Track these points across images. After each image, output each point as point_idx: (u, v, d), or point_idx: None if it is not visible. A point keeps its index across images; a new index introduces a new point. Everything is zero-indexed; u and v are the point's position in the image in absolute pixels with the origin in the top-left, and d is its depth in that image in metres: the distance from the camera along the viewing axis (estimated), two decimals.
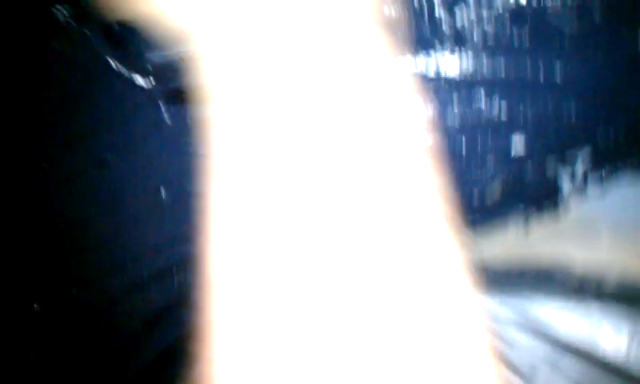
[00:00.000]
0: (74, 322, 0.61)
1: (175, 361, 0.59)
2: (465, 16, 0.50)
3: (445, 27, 0.50)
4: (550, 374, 0.48)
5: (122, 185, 0.58)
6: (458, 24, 0.50)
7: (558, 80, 0.49)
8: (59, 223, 0.60)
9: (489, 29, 0.50)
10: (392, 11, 0.39)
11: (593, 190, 0.53)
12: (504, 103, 0.50)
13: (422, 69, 0.51)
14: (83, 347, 0.61)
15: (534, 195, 0.54)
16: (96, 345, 0.61)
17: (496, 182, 0.53)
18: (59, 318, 0.61)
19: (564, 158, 0.51)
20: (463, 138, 0.52)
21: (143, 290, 0.60)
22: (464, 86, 0.50)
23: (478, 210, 0.55)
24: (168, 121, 0.55)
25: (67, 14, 0.55)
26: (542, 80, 0.49)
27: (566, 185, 0.53)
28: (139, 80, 0.54)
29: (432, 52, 0.50)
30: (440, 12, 0.50)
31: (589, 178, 0.53)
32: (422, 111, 0.50)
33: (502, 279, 0.54)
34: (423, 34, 0.51)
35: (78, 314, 0.60)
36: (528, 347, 0.49)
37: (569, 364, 0.48)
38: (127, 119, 0.57)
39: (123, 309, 0.60)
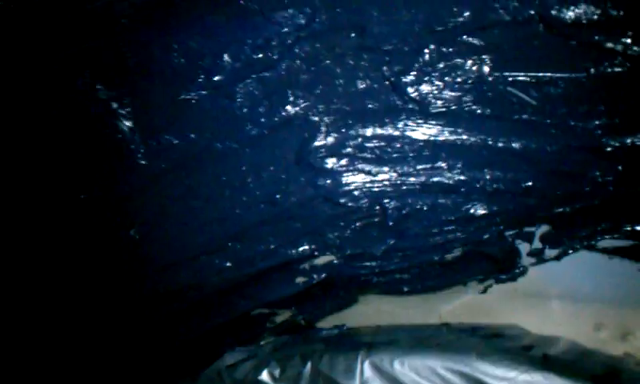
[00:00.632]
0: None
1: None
2: (430, 85, 0.52)
3: (411, 95, 0.52)
4: None
5: (93, 221, 0.59)
6: (423, 92, 0.52)
7: (518, 149, 0.51)
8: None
9: (453, 97, 0.52)
10: None
11: (548, 259, 0.55)
12: (466, 170, 0.52)
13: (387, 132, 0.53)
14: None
15: (491, 261, 0.56)
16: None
17: (456, 246, 0.55)
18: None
19: (522, 232, 0.53)
20: (426, 202, 0.54)
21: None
22: (428, 151, 0.52)
23: (438, 272, 0.57)
24: None
25: None
26: (502, 149, 0.51)
27: (523, 253, 0.55)
28: None
29: (398, 118, 0.52)
30: (406, 81, 0.52)
31: (545, 250, 0.55)
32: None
33: (455, 339, 0.55)
34: (390, 101, 0.53)
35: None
36: None
37: None
38: None
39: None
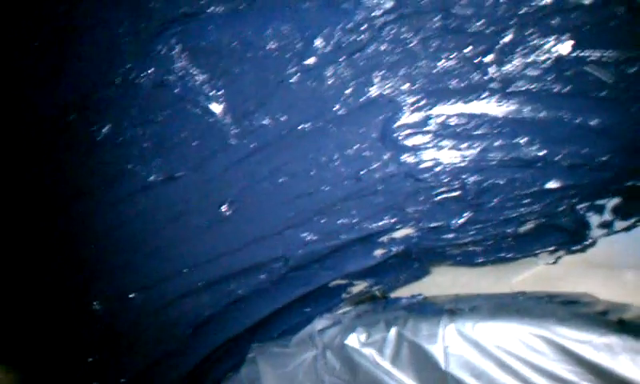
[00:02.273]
0: (131, 322, 0.64)
1: (222, 363, 0.64)
2: (510, 65, 0.56)
3: (492, 75, 0.56)
4: None
5: (186, 198, 0.63)
6: (504, 72, 0.55)
7: (594, 126, 0.54)
8: (124, 232, 0.64)
9: (532, 76, 0.55)
10: None
11: (618, 230, 0.58)
12: (544, 146, 0.55)
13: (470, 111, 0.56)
14: (137, 345, 0.64)
15: (562, 232, 0.59)
16: (148, 345, 0.64)
17: (529, 219, 0.58)
18: (116, 319, 0.64)
19: (593, 204, 0.56)
20: (503, 177, 0.57)
21: (196, 297, 0.64)
22: (507, 129, 0.55)
23: (511, 243, 0.60)
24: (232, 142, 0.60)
25: None
26: (579, 125, 0.54)
27: (593, 225, 0.58)
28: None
29: (479, 97, 0.55)
30: (488, 61, 0.56)
31: (615, 222, 0.58)
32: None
33: (533, 305, 0.58)
34: (472, 80, 0.56)
35: (135, 315, 0.64)
36: (553, 365, 0.54)
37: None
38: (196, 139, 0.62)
39: (177, 312, 0.64)
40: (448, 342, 0.55)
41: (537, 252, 0.60)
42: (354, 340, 0.57)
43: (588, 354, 0.53)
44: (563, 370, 0.53)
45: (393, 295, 0.61)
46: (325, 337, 0.58)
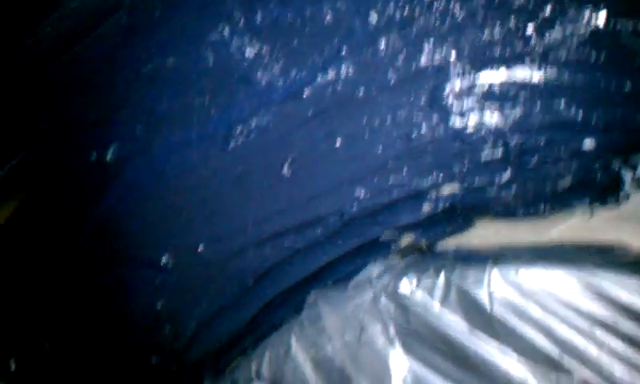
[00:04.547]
0: (198, 274, 0.71)
1: (281, 309, 0.71)
2: (550, 35, 0.61)
3: (533, 44, 0.61)
4: (607, 333, 0.59)
5: (249, 161, 0.70)
6: (545, 41, 0.61)
7: (628, 91, 0.59)
8: (193, 190, 0.71)
9: (571, 45, 0.60)
10: None
11: None
12: (581, 110, 0.61)
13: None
14: (203, 296, 0.71)
15: (598, 188, 0.64)
16: (213, 295, 0.71)
17: (567, 176, 0.64)
18: (184, 271, 0.71)
19: (628, 159, 0.61)
20: (543, 138, 0.63)
21: (258, 250, 0.70)
22: (547, 94, 0.61)
23: (550, 198, 0.66)
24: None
25: None
26: (614, 91, 0.60)
27: (627, 180, 0.63)
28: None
29: (522, 65, 0.61)
30: (529, 32, 0.61)
31: None
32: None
33: (572, 253, 0.64)
34: (514, 50, 0.62)
35: (202, 268, 0.70)
36: (590, 305, 0.60)
37: (625, 325, 0.59)
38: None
39: (240, 265, 0.70)
40: (493, 287, 0.61)
41: (574, 206, 0.65)
42: (406, 285, 0.63)
43: (622, 296, 0.58)
44: (599, 309, 0.59)
45: (439, 246, 0.67)
46: (379, 282, 0.64)
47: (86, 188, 0.69)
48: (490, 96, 0.63)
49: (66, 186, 0.70)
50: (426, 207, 0.67)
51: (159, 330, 0.66)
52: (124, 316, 0.68)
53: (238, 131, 0.66)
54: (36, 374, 0.68)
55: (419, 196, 0.67)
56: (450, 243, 0.69)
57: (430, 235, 0.69)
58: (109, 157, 0.69)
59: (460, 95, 0.63)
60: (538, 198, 0.68)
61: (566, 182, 0.67)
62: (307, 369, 0.64)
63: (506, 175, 0.65)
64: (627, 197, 0.66)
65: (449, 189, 0.67)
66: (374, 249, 0.69)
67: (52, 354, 0.68)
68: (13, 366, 0.65)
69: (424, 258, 0.68)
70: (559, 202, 0.68)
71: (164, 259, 0.67)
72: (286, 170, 0.67)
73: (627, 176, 0.66)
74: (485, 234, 0.69)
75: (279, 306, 0.70)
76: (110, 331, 0.67)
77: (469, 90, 0.63)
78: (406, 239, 0.68)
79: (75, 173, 0.69)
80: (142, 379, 0.68)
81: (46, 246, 0.70)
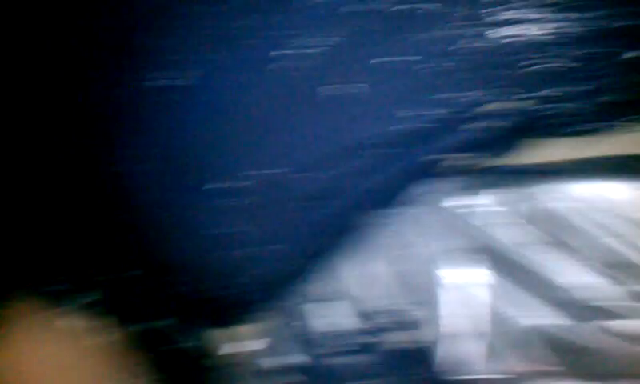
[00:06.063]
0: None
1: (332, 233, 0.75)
2: None
3: None
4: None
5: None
6: None
7: None
8: (264, 116, 0.75)
9: None
10: None
11: None
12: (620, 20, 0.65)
13: None
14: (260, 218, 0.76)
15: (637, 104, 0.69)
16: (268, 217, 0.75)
17: (607, 90, 0.68)
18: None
19: None
20: (582, 51, 0.67)
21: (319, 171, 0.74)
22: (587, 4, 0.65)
23: (596, 114, 0.70)
24: None
25: None
26: None
27: None
28: None
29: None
30: None
31: None
32: None
33: (617, 166, 0.69)
34: None
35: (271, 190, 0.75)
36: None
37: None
38: None
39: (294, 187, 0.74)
40: (546, 201, 0.65)
41: (618, 122, 0.68)
42: (454, 202, 0.66)
43: None
44: None
45: (486, 165, 0.70)
46: (428, 200, 0.68)
47: (164, 114, 0.73)
48: (529, 8, 0.66)
49: (143, 112, 0.74)
50: (473, 126, 0.71)
51: (235, 252, 0.71)
52: (201, 239, 0.72)
53: (284, 60, 0.70)
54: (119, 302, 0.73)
55: (465, 115, 0.71)
56: (498, 161, 0.70)
57: (478, 154, 0.72)
58: (188, 81, 0.73)
59: (499, 7, 0.66)
60: (583, 115, 0.70)
61: (609, 97, 0.68)
62: (354, 285, 0.69)
63: (548, 90, 0.69)
64: None
65: (494, 106, 0.70)
66: (422, 169, 0.73)
67: (138, 281, 0.73)
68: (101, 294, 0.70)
69: (472, 177, 0.72)
70: (604, 118, 0.68)
71: (236, 183, 0.71)
72: (338, 94, 0.71)
73: None
74: (532, 150, 0.70)
75: (332, 228, 0.72)
76: (188, 254, 0.72)
77: (507, 1, 0.66)
78: (454, 159, 0.71)
79: (153, 98, 0.73)
80: (220, 298, 0.73)
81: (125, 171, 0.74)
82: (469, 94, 0.67)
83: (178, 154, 0.74)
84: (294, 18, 0.71)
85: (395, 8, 0.68)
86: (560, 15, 0.65)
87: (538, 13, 0.64)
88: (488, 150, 0.70)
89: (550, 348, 0.63)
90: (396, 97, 0.70)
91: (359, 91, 0.69)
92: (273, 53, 0.72)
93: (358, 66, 0.69)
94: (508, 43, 0.64)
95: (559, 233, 0.64)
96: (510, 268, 0.65)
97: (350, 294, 0.67)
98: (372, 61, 0.68)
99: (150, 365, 0.76)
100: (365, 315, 0.68)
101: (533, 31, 0.64)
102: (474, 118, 0.68)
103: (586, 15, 0.65)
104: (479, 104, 0.67)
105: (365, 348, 0.68)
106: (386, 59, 0.68)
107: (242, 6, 0.74)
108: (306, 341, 0.70)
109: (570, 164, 0.69)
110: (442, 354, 0.66)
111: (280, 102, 0.71)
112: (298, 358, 0.69)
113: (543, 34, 0.64)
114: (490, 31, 0.65)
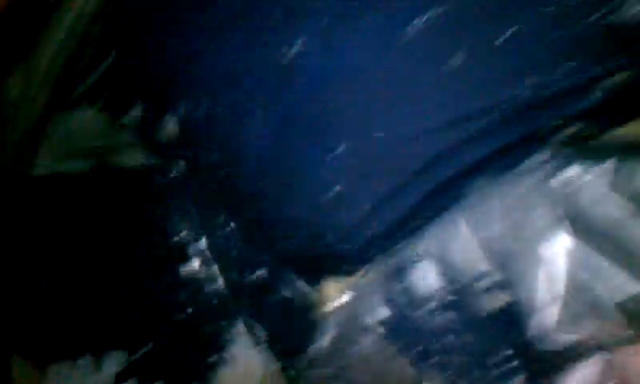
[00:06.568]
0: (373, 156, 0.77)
1: (446, 198, 0.75)
2: None
3: None
4: None
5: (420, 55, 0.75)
6: None
7: None
8: (367, 84, 0.77)
9: None
10: None
11: None
12: None
13: None
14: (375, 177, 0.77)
15: None
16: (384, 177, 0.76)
17: None
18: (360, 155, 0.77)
19: None
20: None
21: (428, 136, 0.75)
22: None
23: None
24: None
25: None
26: None
27: None
28: None
29: None
30: None
31: None
32: None
33: None
34: None
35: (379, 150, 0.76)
36: None
37: None
38: None
39: (409, 150, 0.76)
40: None
41: None
42: (573, 171, 0.67)
43: None
44: None
45: (606, 136, 0.70)
46: (546, 168, 0.68)
47: (271, 81, 0.78)
48: None
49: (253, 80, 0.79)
50: (595, 95, 0.70)
51: (335, 211, 0.74)
52: (305, 197, 0.76)
53: (412, 25, 0.72)
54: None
55: (588, 85, 0.70)
56: (618, 132, 0.71)
57: (597, 124, 0.71)
58: (293, 54, 0.78)
59: None
60: None
61: None
62: (474, 246, 0.69)
63: None
64: None
65: (618, 77, 0.69)
66: (542, 137, 0.72)
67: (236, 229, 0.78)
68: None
69: (590, 146, 0.71)
70: None
71: (342, 147, 0.74)
72: (458, 62, 0.72)
73: None
74: None
75: (446, 192, 0.74)
76: (293, 209, 0.76)
77: None
78: (573, 128, 0.71)
79: (262, 68, 0.78)
80: (318, 255, 0.76)
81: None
82: (595, 64, 0.66)
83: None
84: None
85: None
86: None
87: None
88: (609, 120, 0.68)
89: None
90: (524, 66, 0.71)
91: (485, 60, 0.72)
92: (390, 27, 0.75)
93: (481, 39, 0.69)
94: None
95: None
96: (619, 237, 0.66)
97: (444, 256, 0.68)
98: (494, 33, 0.68)
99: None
100: (454, 277, 0.69)
101: None
102: (598, 88, 0.67)
103: None
104: (605, 74, 0.66)
105: (453, 309, 0.68)
106: (509, 31, 0.68)
107: None
108: (396, 298, 0.71)
109: None
110: (532, 320, 0.65)
111: (403, 68, 0.72)
112: (386, 314, 0.71)
113: None
114: (624, 5, 0.63)
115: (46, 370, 0.77)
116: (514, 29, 0.70)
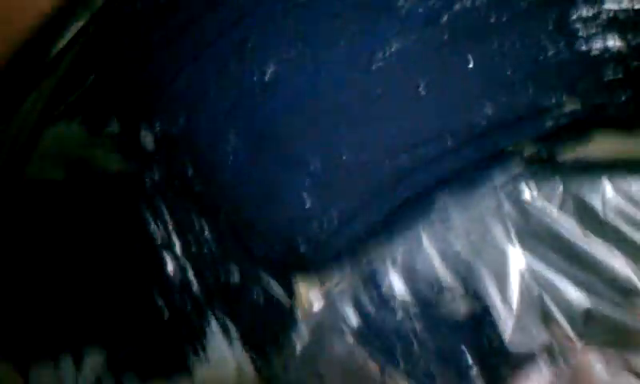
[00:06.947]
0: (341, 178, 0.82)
1: (411, 212, 0.81)
2: None
3: None
4: None
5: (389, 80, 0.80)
6: None
7: None
8: (340, 106, 0.82)
9: None
10: None
11: None
12: None
13: None
14: (346, 192, 0.82)
15: None
16: (356, 188, 0.81)
17: None
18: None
19: None
20: None
21: (394, 159, 0.80)
22: None
23: None
24: None
25: None
26: None
27: None
28: None
29: None
30: None
31: None
32: None
33: None
34: None
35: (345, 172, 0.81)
36: None
37: None
38: None
39: (377, 170, 0.80)
40: (607, 196, 0.70)
41: None
42: (528, 193, 0.72)
43: None
44: None
45: (559, 157, 0.76)
46: (503, 189, 0.74)
47: (245, 103, 0.82)
48: (613, 23, 0.70)
49: (229, 100, 0.83)
50: (549, 122, 0.76)
51: (308, 224, 0.79)
52: (279, 210, 0.80)
53: (380, 55, 0.77)
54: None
55: (543, 112, 0.76)
56: (569, 155, 0.76)
57: (551, 147, 0.77)
58: (267, 77, 0.82)
59: (586, 21, 0.71)
60: None
61: None
62: (436, 260, 0.75)
63: (625, 95, 0.72)
64: None
65: (571, 106, 0.75)
66: (499, 159, 0.78)
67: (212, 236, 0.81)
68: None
69: (545, 168, 0.77)
70: None
71: (313, 164, 0.79)
72: (421, 89, 0.77)
73: None
74: (602, 147, 0.77)
75: (411, 207, 0.80)
76: (268, 221, 0.80)
77: (594, 18, 0.70)
78: (529, 150, 0.77)
79: (237, 88, 0.82)
80: (291, 264, 0.80)
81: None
82: (550, 94, 0.72)
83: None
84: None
85: (492, 17, 0.75)
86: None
87: (621, 27, 0.68)
88: (562, 144, 0.75)
89: (595, 326, 0.70)
90: (483, 93, 0.76)
91: (447, 86, 0.77)
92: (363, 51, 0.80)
93: (444, 66, 0.74)
94: (592, 55, 0.68)
95: (615, 227, 0.71)
96: (568, 255, 0.72)
97: (409, 268, 0.74)
98: (457, 61, 0.74)
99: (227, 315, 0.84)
100: (418, 288, 0.74)
101: (615, 43, 0.68)
102: (552, 116, 0.73)
103: None
104: (559, 103, 0.72)
105: (417, 318, 0.74)
106: (471, 60, 0.73)
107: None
108: (365, 306, 0.77)
109: (636, 161, 0.74)
110: (489, 331, 0.72)
111: (368, 95, 0.78)
112: (356, 320, 0.76)
113: (624, 46, 0.69)
114: (577, 44, 0.70)
115: (27, 372, 0.80)
116: (474, 62, 0.76)
